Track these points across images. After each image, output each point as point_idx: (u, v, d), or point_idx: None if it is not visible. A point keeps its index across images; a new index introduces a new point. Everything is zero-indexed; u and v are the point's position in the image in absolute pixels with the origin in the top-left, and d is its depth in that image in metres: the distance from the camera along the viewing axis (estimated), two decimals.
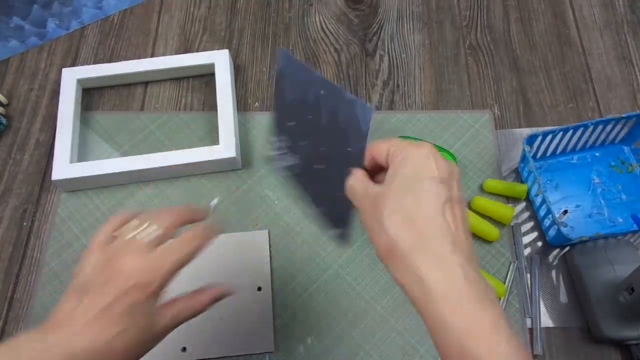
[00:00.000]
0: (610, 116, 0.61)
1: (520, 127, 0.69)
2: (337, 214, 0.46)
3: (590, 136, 0.63)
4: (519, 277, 0.59)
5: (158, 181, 0.66)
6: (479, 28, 0.76)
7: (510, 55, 0.74)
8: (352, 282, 0.60)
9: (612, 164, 0.65)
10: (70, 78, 0.69)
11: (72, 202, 0.65)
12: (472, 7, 0.78)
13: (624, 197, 0.63)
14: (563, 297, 0.58)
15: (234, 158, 0.64)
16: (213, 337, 0.57)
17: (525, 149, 0.59)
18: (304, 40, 0.76)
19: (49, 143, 0.69)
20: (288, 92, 0.50)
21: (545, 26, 0.76)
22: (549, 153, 0.65)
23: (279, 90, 0.51)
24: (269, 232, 0.62)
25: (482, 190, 0.64)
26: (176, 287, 0.56)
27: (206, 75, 0.73)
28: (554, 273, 0.60)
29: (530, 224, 0.63)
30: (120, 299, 0.39)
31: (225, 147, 0.64)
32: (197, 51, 0.75)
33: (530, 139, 0.61)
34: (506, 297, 0.58)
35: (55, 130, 0.66)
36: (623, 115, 0.61)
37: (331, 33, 0.77)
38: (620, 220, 0.62)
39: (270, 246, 0.61)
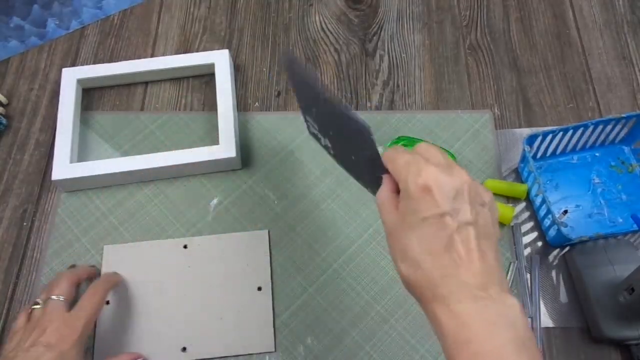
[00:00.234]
0: (610, 116, 0.61)
1: (520, 127, 0.69)
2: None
3: (590, 136, 0.63)
4: (519, 277, 0.59)
5: (158, 181, 0.66)
6: (479, 28, 0.76)
7: (510, 55, 0.74)
8: (352, 282, 0.60)
9: (612, 164, 0.65)
10: (70, 78, 0.69)
11: (72, 202, 0.65)
12: (472, 7, 0.78)
13: (624, 197, 0.63)
14: (563, 297, 0.58)
15: (234, 158, 0.64)
16: (213, 337, 0.57)
17: (525, 149, 0.59)
18: (304, 40, 0.76)
19: (49, 143, 0.69)
20: (300, 92, 0.51)
21: (545, 26, 0.76)
22: (549, 153, 0.65)
23: (293, 77, 0.51)
24: (269, 232, 0.62)
25: None
26: (182, 286, 0.59)
27: (206, 75, 0.73)
28: (554, 273, 0.60)
29: (530, 224, 0.63)
30: (48, 352, 0.45)
31: (225, 147, 0.64)
32: (197, 51, 0.75)
33: (530, 139, 0.61)
34: None
35: (55, 130, 0.66)
36: (623, 115, 0.61)
37: (331, 33, 0.77)
38: (620, 220, 0.62)
39: (270, 246, 0.61)
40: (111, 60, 0.75)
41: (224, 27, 0.78)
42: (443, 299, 0.32)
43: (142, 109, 0.71)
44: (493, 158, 0.66)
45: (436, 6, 0.79)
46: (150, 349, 0.56)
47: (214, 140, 0.67)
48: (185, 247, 0.61)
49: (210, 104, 0.71)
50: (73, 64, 0.75)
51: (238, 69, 0.74)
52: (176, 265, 0.60)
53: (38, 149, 0.69)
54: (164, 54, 0.75)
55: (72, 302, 0.52)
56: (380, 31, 0.77)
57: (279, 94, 0.72)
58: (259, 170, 0.66)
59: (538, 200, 0.61)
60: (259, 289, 0.59)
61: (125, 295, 0.59)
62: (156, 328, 0.57)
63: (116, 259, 0.61)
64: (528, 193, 0.63)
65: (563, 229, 0.56)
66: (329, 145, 0.50)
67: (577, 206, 0.63)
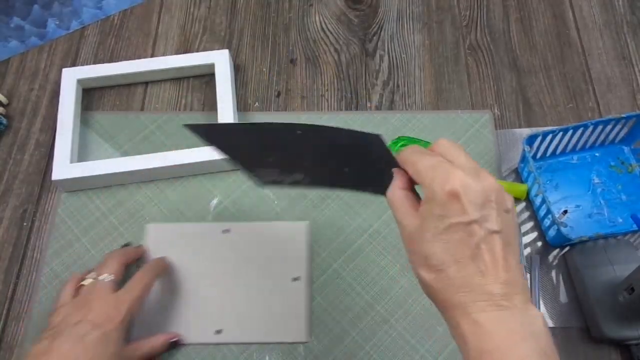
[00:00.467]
0: (610, 116, 0.61)
1: (520, 127, 0.69)
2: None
3: (590, 136, 0.63)
4: None
5: (158, 181, 0.66)
6: (479, 28, 0.76)
7: (510, 55, 0.74)
8: (352, 282, 0.60)
9: (612, 164, 0.65)
10: (71, 78, 0.69)
11: (72, 202, 0.65)
12: (472, 7, 0.78)
13: (623, 197, 0.63)
14: (563, 297, 0.58)
15: None
16: (247, 322, 0.57)
17: (525, 149, 0.60)
18: (304, 40, 0.77)
19: (49, 143, 0.69)
20: (237, 152, 0.48)
21: (545, 26, 0.76)
22: (548, 153, 0.65)
23: (224, 149, 0.49)
24: (309, 224, 0.62)
25: None
26: (219, 270, 0.60)
27: (206, 75, 0.73)
28: (554, 273, 0.60)
29: (530, 224, 0.63)
30: (93, 331, 0.47)
31: None
32: (197, 51, 0.75)
33: (530, 139, 0.61)
34: None
35: (55, 131, 0.66)
36: (623, 115, 0.61)
37: (331, 33, 0.77)
38: (620, 220, 0.62)
39: (308, 238, 0.62)
40: (111, 60, 0.75)
41: (224, 27, 0.78)
42: (466, 307, 0.32)
43: (142, 109, 0.71)
44: (493, 158, 0.66)
45: (436, 6, 0.79)
46: (186, 328, 0.57)
47: None
48: (225, 231, 0.62)
49: (210, 104, 0.71)
50: (73, 64, 0.75)
51: (238, 69, 0.74)
52: (215, 248, 0.61)
53: (38, 149, 0.69)
54: (164, 54, 0.75)
55: (120, 283, 0.53)
56: (380, 31, 0.77)
57: (279, 94, 0.72)
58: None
59: (538, 200, 0.61)
60: (296, 279, 0.59)
61: (165, 275, 0.60)
62: (192, 308, 0.58)
63: (158, 237, 0.62)
64: (528, 193, 0.63)
65: (563, 229, 0.56)
66: (300, 178, 0.47)
67: (577, 206, 0.63)
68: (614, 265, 0.56)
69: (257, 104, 0.71)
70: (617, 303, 0.53)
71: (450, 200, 0.32)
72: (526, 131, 0.67)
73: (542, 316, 0.32)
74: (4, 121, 0.70)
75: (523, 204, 0.63)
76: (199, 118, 0.70)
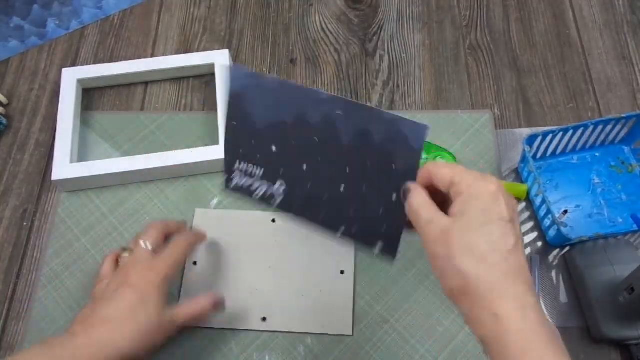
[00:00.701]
0: (610, 116, 0.61)
1: (520, 127, 0.69)
2: (378, 229, 0.45)
3: (590, 136, 0.63)
4: None
5: (158, 181, 0.66)
6: (479, 28, 0.76)
7: (510, 55, 0.74)
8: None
9: (612, 164, 0.65)
10: (71, 78, 0.69)
11: (72, 202, 0.65)
12: (472, 7, 0.78)
13: (624, 197, 0.63)
14: (563, 297, 0.58)
15: None
16: (292, 312, 0.58)
17: (525, 149, 0.60)
18: (304, 40, 0.77)
19: (49, 143, 0.69)
20: (256, 115, 0.48)
21: (545, 26, 0.76)
22: (549, 153, 0.65)
23: (238, 115, 0.48)
24: None
25: None
26: (266, 259, 0.61)
27: (206, 75, 0.73)
28: (554, 273, 0.60)
29: (530, 224, 0.63)
30: (132, 293, 0.48)
31: None
32: (197, 51, 0.75)
33: (530, 139, 0.61)
34: None
35: (55, 130, 0.66)
36: (623, 115, 0.61)
37: (331, 33, 0.77)
38: (620, 220, 0.62)
39: None
40: (111, 60, 0.75)
41: (224, 27, 0.78)
42: (512, 296, 0.33)
43: (142, 109, 0.71)
44: (493, 158, 0.66)
45: (436, 6, 0.79)
46: (232, 313, 0.57)
47: (214, 140, 0.67)
48: (273, 221, 0.62)
49: (210, 104, 0.71)
50: (73, 64, 0.75)
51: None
52: (263, 237, 0.61)
53: (38, 149, 0.69)
54: (164, 54, 0.75)
55: (159, 251, 0.53)
56: (380, 31, 0.77)
57: None
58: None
59: (538, 200, 0.61)
60: (342, 272, 0.60)
61: (212, 259, 0.61)
62: (239, 295, 0.58)
63: (206, 223, 0.62)
64: (528, 193, 0.63)
65: (563, 229, 0.56)
66: (282, 190, 0.48)
67: (577, 206, 0.63)
68: (614, 265, 0.56)
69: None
70: (617, 303, 0.53)
71: (492, 198, 0.35)
72: (526, 131, 0.67)
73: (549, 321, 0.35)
74: (4, 121, 0.70)
75: (523, 204, 0.63)
76: (199, 118, 0.70)
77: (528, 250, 0.61)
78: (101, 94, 0.73)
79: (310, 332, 0.57)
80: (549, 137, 0.62)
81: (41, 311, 0.59)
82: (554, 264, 0.60)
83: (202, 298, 0.53)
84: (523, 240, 0.37)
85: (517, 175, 0.65)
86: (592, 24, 0.76)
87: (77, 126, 0.68)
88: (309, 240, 0.61)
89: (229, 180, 0.50)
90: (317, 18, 0.78)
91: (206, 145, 0.65)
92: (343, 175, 0.46)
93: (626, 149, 0.65)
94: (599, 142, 0.65)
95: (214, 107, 0.69)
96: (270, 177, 0.49)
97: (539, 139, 0.61)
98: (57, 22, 0.81)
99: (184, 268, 0.60)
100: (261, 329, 0.57)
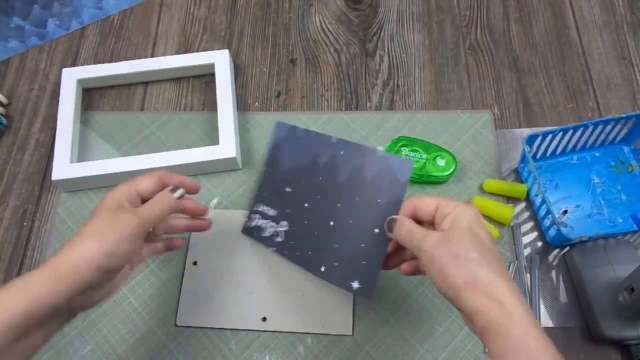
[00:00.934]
0: (610, 116, 0.61)
1: (520, 127, 0.69)
2: (357, 265, 0.49)
3: (590, 136, 0.63)
4: (518, 277, 0.59)
5: None
6: (479, 28, 0.76)
7: (510, 55, 0.74)
8: None
9: (612, 164, 0.65)
10: (71, 78, 0.69)
11: (72, 202, 0.65)
12: (472, 7, 0.78)
13: (623, 197, 0.63)
14: (563, 297, 0.58)
15: (234, 158, 0.64)
16: (293, 312, 0.58)
17: (525, 149, 0.60)
18: (304, 40, 0.77)
19: (49, 143, 0.69)
20: (284, 162, 0.54)
21: (545, 26, 0.76)
22: (548, 153, 0.65)
23: (273, 162, 0.55)
24: None
25: (482, 190, 0.64)
26: (267, 259, 0.61)
27: (206, 75, 0.73)
28: (554, 273, 0.60)
29: (530, 224, 0.63)
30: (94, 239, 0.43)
31: (225, 147, 0.64)
32: (197, 51, 0.75)
33: (530, 139, 0.61)
34: None
35: (55, 130, 0.66)
36: (623, 115, 0.61)
37: (331, 33, 0.77)
38: (620, 220, 0.62)
39: None
40: (111, 60, 0.75)
41: (224, 27, 0.78)
42: (508, 284, 0.39)
43: (142, 109, 0.71)
44: (493, 158, 0.66)
45: (436, 6, 0.79)
46: (232, 313, 0.58)
47: (214, 140, 0.67)
48: None
49: (210, 104, 0.71)
50: (73, 64, 0.75)
51: (238, 69, 0.74)
52: None
53: (38, 149, 0.69)
54: (164, 54, 0.75)
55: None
56: (380, 31, 0.77)
57: (279, 94, 0.72)
58: (259, 170, 0.66)
59: (538, 200, 0.61)
60: None
61: (212, 259, 0.61)
62: (239, 295, 0.59)
63: None
64: (528, 193, 0.63)
65: (563, 229, 0.56)
66: (284, 229, 0.54)
67: (577, 206, 0.63)
68: (614, 265, 0.56)
69: (257, 104, 0.71)
70: (617, 303, 0.53)
71: (476, 218, 0.43)
72: (526, 131, 0.67)
73: None
74: (4, 121, 0.70)
75: (523, 204, 0.63)
76: (199, 118, 0.70)
77: (528, 250, 0.61)
78: (101, 94, 0.73)
79: (310, 332, 0.57)
80: (549, 137, 0.62)
81: None
82: (554, 264, 0.60)
83: (163, 193, 0.48)
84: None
85: (517, 175, 0.65)
86: (592, 24, 0.76)
87: (77, 126, 0.68)
88: None
89: (248, 221, 0.58)
90: (317, 18, 0.78)
91: (206, 145, 0.65)
92: (334, 210, 0.51)
93: (626, 149, 0.65)
94: (598, 142, 0.65)
95: (214, 107, 0.69)
96: (278, 218, 0.55)
97: (539, 139, 0.61)
98: (57, 22, 0.81)
99: (184, 267, 0.60)
100: (261, 329, 0.57)
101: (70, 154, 0.64)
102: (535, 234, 0.62)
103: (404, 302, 0.58)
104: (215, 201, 0.65)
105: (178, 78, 0.73)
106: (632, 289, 0.50)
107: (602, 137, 0.64)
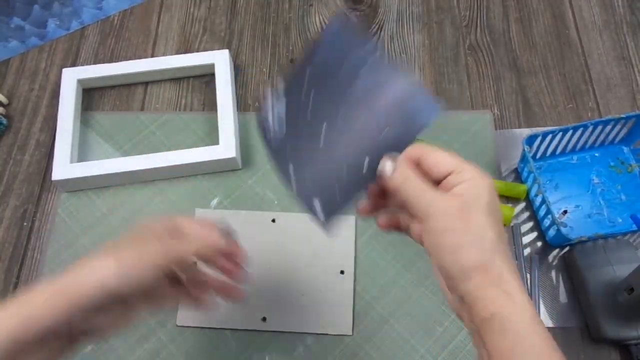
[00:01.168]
0: (609, 116, 0.61)
1: (520, 127, 0.69)
2: (333, 197, 0.41)
3: (589, 136, 0.63)
4: None
5: (158, 181, 0.66)
6: (479, 28, 0.76)
7: (510, 56, 0.74)
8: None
9: (612, 164, 0.65)
10: (71, 78, 0.69)
11: (72, 202, 0.65)
12: (472, 7, 0.78)
13: (623, 197, 0.63)
14: (563, 297, 0.58)
15: (234, 158, 0.64)
16: (292, 312, 0.58)
17: (525, 149, 0.60)
18: (304, 40, 0.77)
19: (49, 143, 0.69)
20: (321, 57, 0.45)
21: (545, 26, 0.76)
22: (548, 153, 0.65)
23: (313, 54, 0.45)
24: (355, 219, 0.63)
25: None
26: (266, 259, 0.60)
27: (206, 75, 0.73)
28: (553, 273, 0.60)
29: (530, 224, 0.63)
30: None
31: (225, 147, 0.64)
32: (197, 51, 0.75)
33: (530, 139, 0.61)
34: None
35: (55, 131, 0.66)
36: (622, 115, 0.61)
37: None
38: (620, 220, 0.62)
39: (356, 232, 0.62)
40: (111, 60, 0.75)
41: (224, 27, 0.78)
42: (516, 274, 0.34)
43: (142, 109, 0.71)
44: (493, 158, 0.66)
45: (436, 6, 0.79)
46: (232, 314, 0.58)
47: (214, 140, 0.67)
48: (273, 221, 0.63)
49: (210, 104, 0.71)
50: (73, 64, 0.75)
51: (238, 69, 0.74)
52: (263, 237, 0.62)
53: (38, 149, 0.69)
54: (164, 54, 0.75)
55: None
56: (380, 31, 0.77)
57: None
58: (259, 170, 0.66)
59: (538, 200, 0.61)
60: (342, 272, 0.60)
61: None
62: None
63: None
64: (528, 193, 0.63)
65: (563, 229, 0.56)
66: (293, 128, 0.44)
67: (577, 206, 0.63)
68: (614, 265, 0.56)
69: (257, 104, 0.71)
70: (617, 303, 0.53)
71: (493, 197, 0.36)
72: (526, 131, 0.67)
73: None
74: (4, 121, 0.70)
75: (523, 204, 0.64)
76: (199, 118, 0.70)
77: (528, 250, 0.61)
78: (101, 94, 0.73)
79: (310, 332, 0.57)
80: (549, 137, 0.62)
81: None
82: (554, 264, 0.60)
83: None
84: None
85: (517, 175, 0.65)
86: (592, 25, 0.76)
87: (77, 126, 0.68)
88: (309, 240, 0.61)
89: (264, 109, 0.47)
90: (317, 18, 0.78)
91: (206, 145, 0.65)
92: (333, 116, 0.43)
93: (626, 149, 0.65)
94: (598, 142, 0.65)
95: (214, 107, 0.69)
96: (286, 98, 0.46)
97: (539, 139, 0.61)
98: (58, 23, 0.81)
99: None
100: (261, 329, 0.57)
101: (70, 154, 0.64)
102: (535, 234, 0.62)
103: (404, 302, 0.58)
104: (215, 201, 0.65)
105: (178, 78, 0.73)
106: (632, 289, 0.50)
107: (602, 137, 0.64)
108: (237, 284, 0.46)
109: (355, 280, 0.59)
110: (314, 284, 0.59)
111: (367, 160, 0.40)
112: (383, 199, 0.41)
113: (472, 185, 0.35)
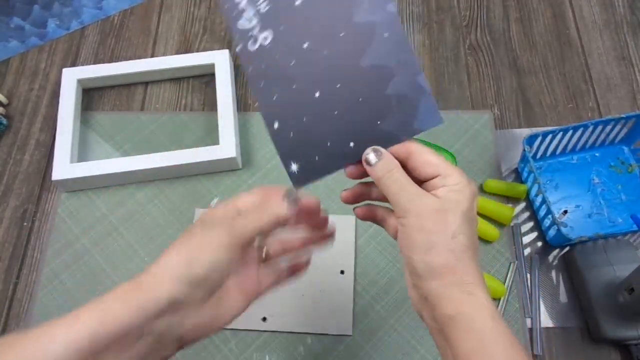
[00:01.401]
0: (609, 116, 0.61)
1: (520, 127, 0.69)
2: (311, 165, 0.40)
3: (590, 136, 0.63)
4: (518, 277, 0.59)
5: (158, 181, 0.66)
6: (479, 28, 0.76)
7: (510, 55, 0.74)
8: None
9: (612, 164, 0.65)
10: (71, 78, 0.69)
11: (72, 202, 0.65)
12: (472, 7, 0.78)
13: (623, 197, 0.63)
14: (563, 297, 0.58)
15: (234, 158, 0.64)
16: (293, 312, 0.58)
17: (525, 149, 0.60)
18: None
19: (49, 143, 0.69)
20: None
21: (545, 26, 0.76)
22: (548, 153, 0.65)
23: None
24: (355, 219, 0.62)
25: (482, 190, 0.64)
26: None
27: (206, 75, 0.73)
28: (553, 273, 0.60)
29: (530, 224, 0.63)
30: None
31: (225, 147, 0.64)
32: (197, 51, 0.75)
33: (530, 139, 0.61)
34: (506, 297, 0.58)
35: (55, 131, 0.66)
36: (622, 115, 0.61)
37: None
38: (620, 220, 0.62)
39: (356, 232, 0.62)
40: (111, 60, 0.75)
41: (224, 27, 0.78)
42: (481, 282, 0.35)
43: (142, 109, 0.71)
44: (493, 158, 0.66)
45: (436, 6, 0.79)
46: None
47: (214, 140, 0.67)
48: None
49: (210, 104, 0.71)
50: (73, 64, 0.75)
51: (238, 69, 0.74)
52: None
53: (38, 149, 0.69)
54: (164, 54, 0.75)
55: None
56: None
57: None
58: (259, 170, 0.66)
59: (538, 200, 0.61)
60: (342, 272, 0.60)
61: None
62: None
63: None
64: (528, 193, 0.63)
65: (563, 229, 0.56)
66: (268, 43, 0.39)
67: (577, 206, 0.63)
68: (614, 265, 0.56)
69: (257, 104, 0.71)
70: (617, 303, 0.53)
71: (475, 199, 0.37)
72: (526, 131, 0.67)
73: None
74: (4, 121, 0.70)
75: (523, 204, 0.63)
76: (199, 118, 0.70)
77: (528, 250, 0.61)
78: (101, 94, 0.73)
79: (310, 332, 0.57)
80: (549, 137, 0.62)
81: (41, 311, 0.59)
82: (554, 264, 0.60)
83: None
84: None
85: (517, 175, 0.65)
86: (592, 24, 0.76)
87: (77, 126, 0.68)
88: None
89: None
90: None
91: (206, 145, 0.65)
92: (332, 91, 0.40)
93: (626, 149, 0.65)
94: (598, 142, 0.65)
95: (214, 107, 0.69)
96: (266, 24, 0.41)
97: (539, 139, 0.61)
98: (58, 23, 0.81)
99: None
100: (261, 329, 0.57)
101: (70, 154, 0.64)
102: (535, 234, 0.62)
103: (404, 302, 0.58)
104: (215, 201, 0.65)
105: (178, 78, 0.73)
106: (632, 289, 0.50)
107: (602, 137, 0.64)
108: (322, 232, 0.45)
109: (355, 280, 0.59)
110: (314, 284, 0.59)
111: (352, 144, 0.39)
112: (367, 187, 0.41)
113: (455, 190, 0.36)
